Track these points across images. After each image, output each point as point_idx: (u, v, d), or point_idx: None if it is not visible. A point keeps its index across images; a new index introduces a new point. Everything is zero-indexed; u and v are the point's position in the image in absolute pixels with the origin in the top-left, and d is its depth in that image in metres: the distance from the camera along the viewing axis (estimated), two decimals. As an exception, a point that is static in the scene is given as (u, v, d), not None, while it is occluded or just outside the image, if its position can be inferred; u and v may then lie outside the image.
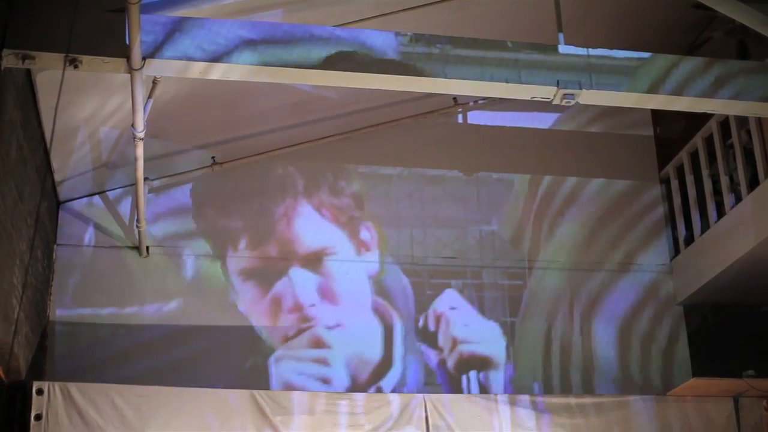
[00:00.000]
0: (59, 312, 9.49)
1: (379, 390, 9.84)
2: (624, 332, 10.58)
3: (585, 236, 10.89)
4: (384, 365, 10.09)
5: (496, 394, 9.51)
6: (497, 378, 10.17)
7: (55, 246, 9.66)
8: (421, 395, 8.93)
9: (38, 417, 7.93)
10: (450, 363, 10.15)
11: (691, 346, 10.56)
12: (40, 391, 7.99)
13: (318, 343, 9.98)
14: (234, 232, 10.27)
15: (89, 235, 9.83)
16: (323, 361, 9.90)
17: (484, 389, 10.05)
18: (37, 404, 7.95)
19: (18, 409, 8.01)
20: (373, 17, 7.97)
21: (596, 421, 9.02)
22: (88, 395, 8.11)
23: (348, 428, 8.56)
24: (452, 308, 10.40)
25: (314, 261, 10.30)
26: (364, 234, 10.52)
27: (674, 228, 11.02)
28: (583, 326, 10.53)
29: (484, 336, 10.33)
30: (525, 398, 9.05)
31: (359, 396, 8.84)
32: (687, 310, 10.72)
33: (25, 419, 7.93)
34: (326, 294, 10.21)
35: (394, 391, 9.80)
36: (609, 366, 10.42)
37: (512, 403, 8.92)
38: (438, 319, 10.33)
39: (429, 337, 10.26)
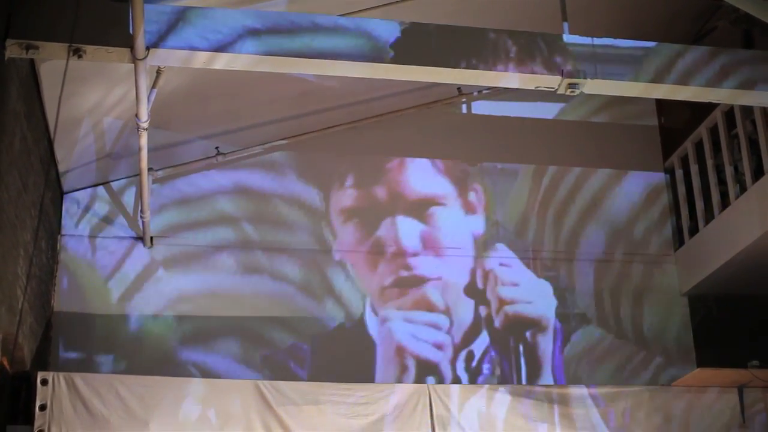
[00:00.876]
0: (63, 302, 9.50)
1: (471, 355, 10.01)
2: (628, 322, 10.58)
3: (589, 226, 10.88)
4: (475, 329, 10.27)
5: (500, 385, 9.52)
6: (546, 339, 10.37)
7: (59, 236, 9.67)
8: (425, 385, 8.93)
9: (43, 407, 7.93)
10: (497, 321, 10.35)
11: (695, 337, 10.57)
12: (44, 382, 7.98)
13: (429, 306, 10.26)
14: (341, 169, 10.56)
15: (93, 226, 9.84)
16: (435, 326, 10.19)
17: (531, 349, 10.28)
18: (41, 395, 7.94)
19: (23, 400, 8.01)
20: (377, 7, 7.95)
21: (601, 411, 9.00)
22: (92, 386, 8.11)
23: (352, 418, 8.55)
24: (502, 264, 10.57)
25: (420, 209, 10.55)
26: (472, 196, 10.60)
27: (678, 218, 11.01)
28: (588, 316, 10.53)
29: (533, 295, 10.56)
30: (529, 389, 9.05)
31: (364, 386, 8.84)
32: (691, 300, 10.72)
33: (30, 409, 7.93)
34: (429, 245, 10.45)
35: (484, 355, 10.03)
36: (613, 356, 10.43)
37: (516, 394, 8.91)
38: (486, 276, 10.52)
39: (478, 294, 10.47)
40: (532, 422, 8.83)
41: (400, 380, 9.85)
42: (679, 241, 10.94)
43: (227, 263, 10.02)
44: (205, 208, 10.16)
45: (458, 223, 10.68)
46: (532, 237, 10.78)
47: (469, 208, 10.74)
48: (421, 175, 10.80)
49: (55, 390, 7.99)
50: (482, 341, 10.25)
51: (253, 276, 10.05)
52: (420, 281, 10.34)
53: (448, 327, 10.21)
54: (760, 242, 9.35)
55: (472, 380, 10.04)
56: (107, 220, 9.87)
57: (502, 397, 8.88)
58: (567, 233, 10.83)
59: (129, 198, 9.98)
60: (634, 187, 11.15)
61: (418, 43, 6.95)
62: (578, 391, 9.14)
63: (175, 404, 8.24)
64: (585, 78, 7.12)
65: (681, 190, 10.99)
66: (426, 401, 8.72)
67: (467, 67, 6.99)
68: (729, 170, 10.12)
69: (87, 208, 9.85)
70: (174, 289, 9.82)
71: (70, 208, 9.82)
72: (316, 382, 9.27)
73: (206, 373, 9.26)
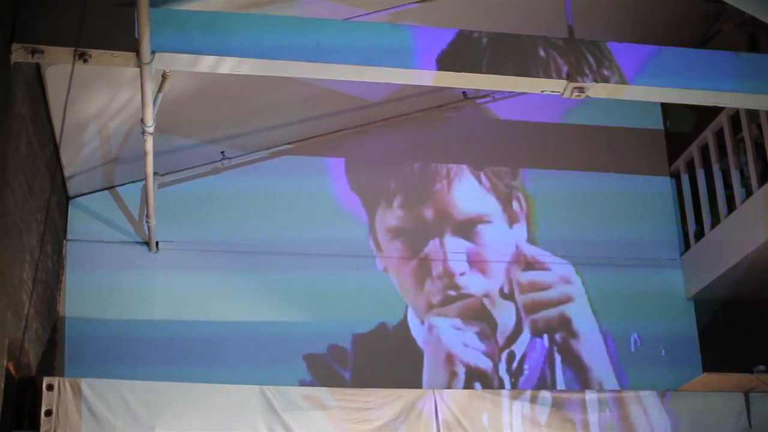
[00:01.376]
0: (69, 307, 9.50)
1: (512, 354, 10.13)
2: (634, 327, 10.57)
3: (595, 231, 10.87)
4: (516, 332, 10.37)
5: (506, 390, 9.52)
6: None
7: (65, 241, 9.67)
8: (430, 390, 8.89)
9: (48, 413, 7.90)
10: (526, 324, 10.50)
11: (701, 341, 10.56)
12: (50, 387, 7.96)
13: (477, 315, 10.38)
14: (390, 190, 10.65)
15: (99, 231, 9.83)
16: (484, 334, 10.32)
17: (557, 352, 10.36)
18: (47, 400, 7.91)
19: (28, 405, 7.99)
20: (384, 10, 7.94)
21: (607, 416, 8.98)
22: (98, 391, 8.09)
23: (358, 423, 8.53)
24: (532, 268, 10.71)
25: (468, 228, 10.60)
26: (515, 205, 10.66)
27: (684, 222, 11.00)
28: (593, 320, 10.53)
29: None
30: (536, 393, 9.02)
31: (370, 391, 8.80)
32: (697, 304, 10.72)
33: (35, 415, 7.90)
34: (476, 263, 10.53)
35: (525, 356, 10.19)
36: (620, 361, 10.42)
37: (523, 399, 8.88)
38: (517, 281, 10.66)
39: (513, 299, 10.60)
40: (540, 427, 8.80)
41: (450, 385, 9.96)
42: (684, 245, 10.93)
43: (232, 267, 10.00)
44: (211, 213, 10.16)
45: (503, 236, 10.77)
46: (539, 241, 10.78)
47: (513, 219, 10.79)
48: (465, 191, 10.89)
49: (60, 395, 7.97)
50: (521, 344, 10.34)
51: (258, 280, 10.03)
52: (467, 294, 10.43)
53: (492, 333, 10.27)
54: (767, 246, 9.33)
55: (514, 383, 10.16)
56: (113, 225, 9.87)
57: (510, 402, 8.86)
58: (572, 237, 10.81)
59: (134, 203, 9.98)
60: (640, 191, 11.14)
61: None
62: (585, 395, 9.12)
63: (181, 409, 8.22)
64: (590, 82, 7.12)
65: (687, 194, 10.98)
66: (432, 407, 8.69)
67: (470, 72, 7.00)
68: (735, 174, 10.11)
69: (93, 213, 9.86)
70: (179, 294, 9.81)
71: (75, 213, 9.81)
72: (322, 387, 9.28)
73: (212, 378, 9.23)
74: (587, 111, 11.21)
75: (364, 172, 10.71)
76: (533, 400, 8.88)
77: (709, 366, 10.03)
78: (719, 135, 10.47)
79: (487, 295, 10.45)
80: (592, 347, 10.47)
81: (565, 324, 10.51)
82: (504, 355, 10.25)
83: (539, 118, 11.15)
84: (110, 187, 9.98)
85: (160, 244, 9.88)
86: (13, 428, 7.79)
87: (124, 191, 10.01)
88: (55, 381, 8.03)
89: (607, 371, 10.40)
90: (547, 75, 7.04)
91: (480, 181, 10.88)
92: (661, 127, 11.46)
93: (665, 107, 11.33)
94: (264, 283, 10.04)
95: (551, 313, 10.51)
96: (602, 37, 7.41)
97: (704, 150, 10.72)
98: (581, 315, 10.57)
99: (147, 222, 9.50)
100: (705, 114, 10.42)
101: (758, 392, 9.20)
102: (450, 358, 10.17)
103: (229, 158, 10.23)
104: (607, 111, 11.22)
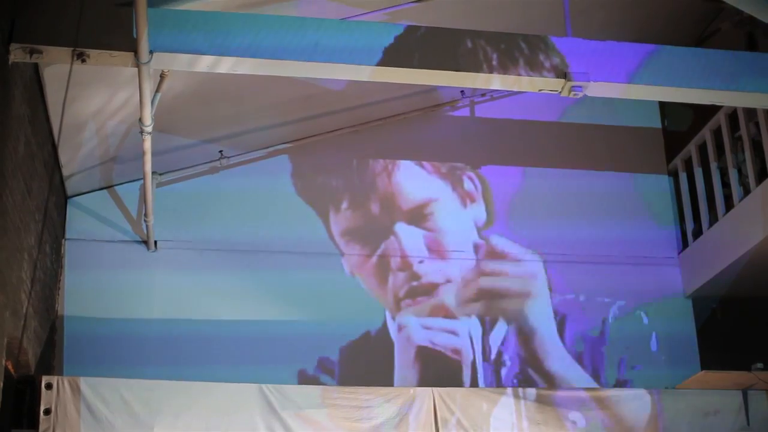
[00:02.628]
0: (68, 306, 9.51)
1: (488, 348, 10.13)
2: (632, 325, 10.57)
3: (593, 229, 10.87)
4: (490, 325, 10.41)
5: (505, 387, 9.52)
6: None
7: (63, 241, 9.68)
8: (429, 389, 8.89)
9: (47, 411, 7.89)
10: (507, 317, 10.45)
11: (699, 339, 10.57)
12: (49, 386, 7.96)
13: (445, 312, 10.33)
14: (335, 193, 10.54)
15: (97, 230, 9.83)
16: (452, 332, 10.27)
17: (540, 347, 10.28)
18: (46, 399, 7.91)
19: (27, 404, 8.00)
20: (381, 10, 7.96)
21: (605, 414, 8.98)
22: (97, 389, 8.09)
23: (357, 422, 8.53)
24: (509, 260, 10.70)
25: (419, 215, 10.56)
26: (468, 185, 10.63)
27: (682, 221, 11.01)
28: (592, 318, 10.53)
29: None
30: (534, 392, 9.02)
31: (368, 389, 8.81)
32: (695, 302, 10.73)
33: (34, 414, 7.90)
34: (434, 249, 10.49)
35: (502, 345, 10.17)
36: (618, 359, 10.43)
37: (521, 397, 8.88)
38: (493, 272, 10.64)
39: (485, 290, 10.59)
40: (538, 425, 8.81)
41: (421, 383, 9.91)
42: (682, 243, 10.94)
43: (231, 266, 10.01)
44: (209, 212, 10.16)
45: (460, 218, 10.72)
46: (537, 238, 10.78)
47: (467, 198, 10.76)
48: (419, 180, 10.82)
49: (59, 394, 7.97)
50: (498, 336, 10.32)
51: (256, 280, 10.03)
52: (430, 284, 10.38)
53: (465, 329, 10.26)
54: (764, 244, 9.35)
55: (497, 374, 10.15)
56: (111, 224, 9.87)
57: (508, 400, 8.87)
58: (571, 235, 10.82)
59: (133, 202, 9.98)
60: (638, 190, 11.14)
61: (415, 46, 6.98)
62: (583, 393, 9.13)
63: (180, 408, 8.21)
64: (588, 80, 7.13)
65: (685, 192, 10.99)
66: (430, 404, 8.69)
67: (471, 70, 7.01)
68: (732, 173, 10.12)
69: (91, 212, 9.86)
70: (178, 293, 9.82)
71: (74, 212, 9.82)
72: (320, 386, 9.29)
73: (210, 377, 9.24)
74: (585, 109, 11.21)
75: (323, 167, 10.67)
76: (532, 398, 8.88)
77: (707, 364, 10.06)
78: (717, 133, 10.48)
79: (451, 285, 10.44)
80: (593, 343, 10.47)
81: (538, 320, 10.53)
82: (479, 348, 10.23)
83: (536, 116, 11.15)
84: (109, 187, 9.98)
85: (158, 243, 9.88)
86: (12, 427, 7.81)
87: (123, 190, 10.02)
88: (53, 380, 8.03)
89: (604, 369, 10.41)
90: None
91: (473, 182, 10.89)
92: (659, 125, 11.48)
93: (663, 106, 11.34)
94: (262, 282, 10.04)
95: (522, 306, 10.54)
96: (600, 35, 7.42)
97: (702, 148, 10.72)
98: (575, 311, 10.60)
99: (145, 221, 9.51)
100: (703, 112, 10.42)
101: (756, 390, 9.20)
102: (420, 355, 10.16)
103: (228, 157, 10.24)
104: (605, 109, 11.22)
